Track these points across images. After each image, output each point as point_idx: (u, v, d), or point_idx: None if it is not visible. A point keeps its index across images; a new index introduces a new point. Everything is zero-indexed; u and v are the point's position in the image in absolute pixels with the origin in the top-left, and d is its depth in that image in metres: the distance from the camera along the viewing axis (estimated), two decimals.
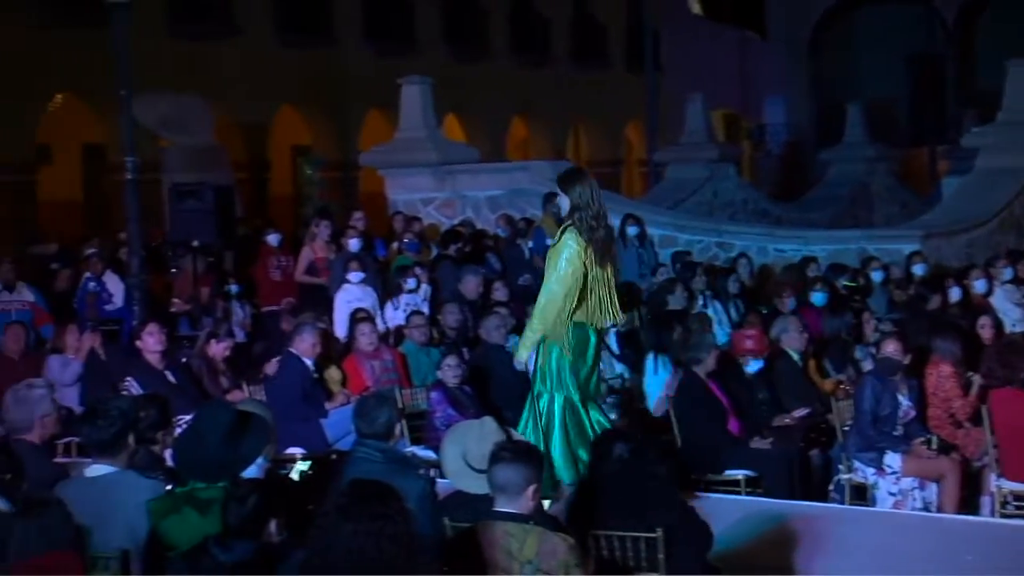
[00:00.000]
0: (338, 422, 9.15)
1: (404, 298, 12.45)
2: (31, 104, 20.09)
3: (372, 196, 20.44)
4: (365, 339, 10.22)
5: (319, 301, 12.87)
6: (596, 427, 7.10)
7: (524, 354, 7.23)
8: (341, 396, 9.62)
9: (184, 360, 10.05)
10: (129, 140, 12.68)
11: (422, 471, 6.28)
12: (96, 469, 5.56)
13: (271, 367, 9.96)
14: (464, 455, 5.66)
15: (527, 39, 30.20)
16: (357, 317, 10.74)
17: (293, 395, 9.29)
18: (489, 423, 5.93)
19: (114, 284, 13.21)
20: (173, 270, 14.37)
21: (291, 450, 8.73)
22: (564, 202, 7.04)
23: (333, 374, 10.01)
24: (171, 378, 9.40)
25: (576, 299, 6.98)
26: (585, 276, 6.97)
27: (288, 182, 26.18)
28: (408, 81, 17.18)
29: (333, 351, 10.42)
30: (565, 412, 7.12)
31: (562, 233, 7.02)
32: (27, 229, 17.99)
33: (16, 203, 19.81)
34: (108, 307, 12.96)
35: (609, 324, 7.56)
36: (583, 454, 6.99)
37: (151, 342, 9.46)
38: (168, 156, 18.56)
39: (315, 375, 9.62)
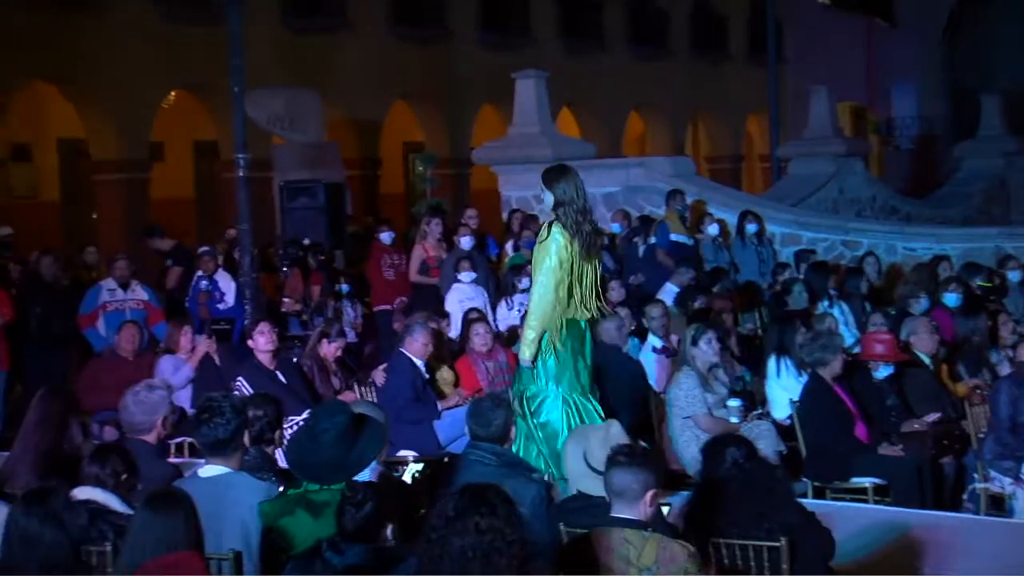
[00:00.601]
0: (451, 424, 9.20)
1: (517, 297, 12.48)
2: (146, 102, 20.57)
3: (484, 193, 20.55)
4: (479, 339, 10.26)
5: (431, 300, 12.96)
6: (595, 414, 7.37)
7: (528, 352, 7.41)
8: (455, 397, 9.66)
9: (295, 360, 10.16)
10: (241, 137, 12.88)
11: (536, 475, 6.30)
12: (209, 469, 5.66)
13: (378, 375, 10.03)
14: (586, 456, 5.66)
15: (645, 31, 30.10)
16: (471, 318, 10.79)
17: (404, 397, 9.37)
18: (615, 426, 5.92)
19: (226, 283, 13.40)
20: (283, 269, 14.58)
21: (402, 452, 8.81)
22: (548, 198, 7.34)
23: (445, 375, 10.07)
24: (282, 378, 9.51)
25: (567, 293, 7.27)
26: (572, 270, 7.26)
27: (399, 179, 26.43)
28: (522, 75, 17.21)
29: (446, 351, 10.48)
30: (566, 410, 7.36)
31: (548, 228, 7.31)
32: (141, 226, 18.41)
33: (130, 201, 20.32)
34: (220, 306, 13.17)
35: (597, 315, 7.83)
36: None
37: (262, 341, 9.56)
38: (280, 153, 18.86)
39: (427, 376, 9.69)
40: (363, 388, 9.96)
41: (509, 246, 14.71)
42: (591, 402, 7.49)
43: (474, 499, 4.33)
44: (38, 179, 21.76)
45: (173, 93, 21.75)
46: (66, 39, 18.95)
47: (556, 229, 7.25)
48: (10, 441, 7.05)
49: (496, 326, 11.93)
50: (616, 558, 4.90)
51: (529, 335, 7.36)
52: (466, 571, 4.17)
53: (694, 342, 8.93)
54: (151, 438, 6.51)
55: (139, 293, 12.45)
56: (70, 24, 19.08)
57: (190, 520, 4.76)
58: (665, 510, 5.88)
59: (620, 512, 5.02)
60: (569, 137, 19.76)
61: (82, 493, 5.61)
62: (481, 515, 4.27)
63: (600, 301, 7.49)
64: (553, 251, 7.22)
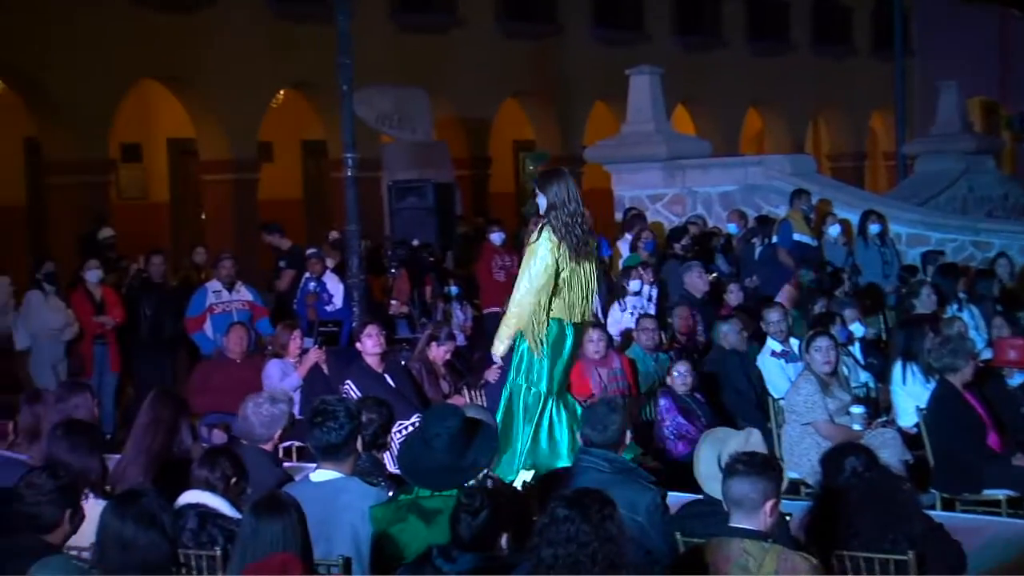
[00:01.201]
0: None
1: (630, 300, 12.43)
2: (254, 101, 20.89)
3: (596, 192, 20.50)
4: (592, 346, 10.16)
5: None
6: (555, 425, 7.55)
7: (501, 348, 7.65)
8: None
9: (403, 363, 10.22)
10: (349, 136, 12.99)
11: (652, 481, 6.28)
12: (321, 474, 5.72)
13: (492, 374, 10.05)
14: (719, 460, 5.61)
15: (763, 24, 29.81)
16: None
17: None
18: (756, 435, 5.87)
19: (334, 285, 13.53)
20: (392, 270, 14.67)
21: None
22: (541, 200, 7.55)
23: None
24: (390, 382, 9.56)
25: (551, 295, 7.49)
26: (559, 273, 7.47)
27: (510, 179, 26.50)
28: (637, 71, 17.15)
29: None
30: (516, 403, 7.58)
31: (540, 231, 7.53)
32: (249, 227, 18.71)
33: (238, 201, 20.65)
34: (328, 308, 13.30)
35: (590, 318, 8.24)
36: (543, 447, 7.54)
37: (370, 344, 9.62)
38: (388, 153, 19.03)
39: None
40: (473, 392, 9.99)
41: (625, 246, 14.62)
42: (559, 402, 7.63)
43: (569, 505, 4.40)
44: (148, 180, 22.21)
45: (282, 92, 22.06)
46: (176, 38, 19.31)
47: (546, 232, 7.48)
48: (121, 443, 7.19)
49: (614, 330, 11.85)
50: (734, 569, 4.86)
51: (504, 331, 7.59)
52: None
53: (807, 348, 8.86)
54: (267, 447, 6.61)
55: (244, 294, 12.62)
56: (179, 23, 19.45)
57: (297, 526, 4.82)
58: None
59: (739, 522, 4.98)
60: (684, 135, 19.66)
61: (191, 496, 5.71)
62: (572, 522, 4.32)
63: (590, 306, 7.78)
64: (540, 255, 7.45)
